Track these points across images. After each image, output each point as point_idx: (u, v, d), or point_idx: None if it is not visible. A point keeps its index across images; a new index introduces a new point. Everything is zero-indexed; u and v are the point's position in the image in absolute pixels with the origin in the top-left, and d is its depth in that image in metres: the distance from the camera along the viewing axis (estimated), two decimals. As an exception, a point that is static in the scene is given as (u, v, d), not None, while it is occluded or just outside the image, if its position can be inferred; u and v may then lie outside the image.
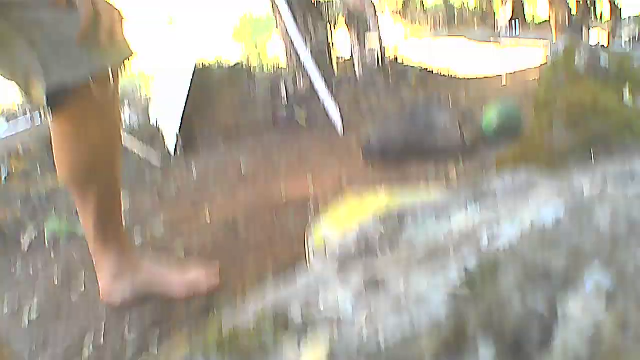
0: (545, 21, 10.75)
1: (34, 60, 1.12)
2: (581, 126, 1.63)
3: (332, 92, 3.72)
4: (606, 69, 1.81)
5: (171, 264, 1.72)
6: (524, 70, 5.95)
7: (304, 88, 4.38)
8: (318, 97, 3.64)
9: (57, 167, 1.45)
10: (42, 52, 1.11)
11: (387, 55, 5.09)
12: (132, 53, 1.28)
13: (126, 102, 5.80)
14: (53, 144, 1.38)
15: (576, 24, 8.90)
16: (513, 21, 12.83)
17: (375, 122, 2.44)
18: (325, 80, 3.74)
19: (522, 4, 14.34)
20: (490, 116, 2.28)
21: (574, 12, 12.23)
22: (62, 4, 1.13)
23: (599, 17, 13.54)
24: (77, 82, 1.16)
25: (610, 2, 13.57)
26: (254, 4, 16.41)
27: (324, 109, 3.57)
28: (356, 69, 5.06)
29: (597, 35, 9.04)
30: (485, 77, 5.98)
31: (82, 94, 1.21)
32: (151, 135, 3.89)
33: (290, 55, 5.15)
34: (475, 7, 16.23)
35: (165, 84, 4.59)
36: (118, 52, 1.25)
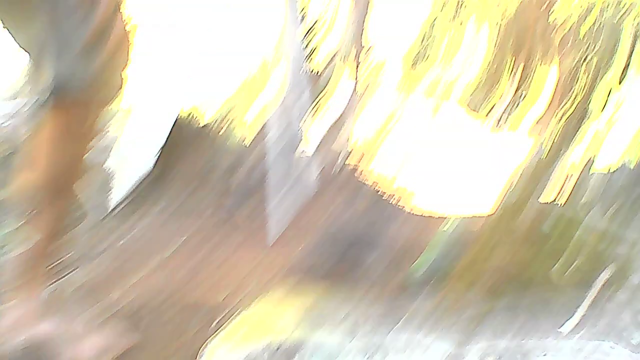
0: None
1: (52, 39, 1.12)
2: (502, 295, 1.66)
3: (283, 190, 3.69)
4: (547, 233, 1.89)
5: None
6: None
7: (262, 175, 4.32)
8: (269, 190, 3.60)
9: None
10: (59, 35, 1.12)
11: (350, 161, 5.05)
12: (120, 91, 1.28)
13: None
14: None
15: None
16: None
17: (310, 236, 2.43)
18: (282, 176, 3.72)
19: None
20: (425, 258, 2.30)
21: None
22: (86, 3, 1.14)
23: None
24: (78, 81, 1.15)
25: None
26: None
27: (268, 205, 3.52)
28: (314, 170, 5.02)
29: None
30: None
31: (80, 93, 1.18)
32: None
33: (259, 135, 5.09)
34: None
35: (135, 128, 4.44)
36: (108, 84, 1.26)
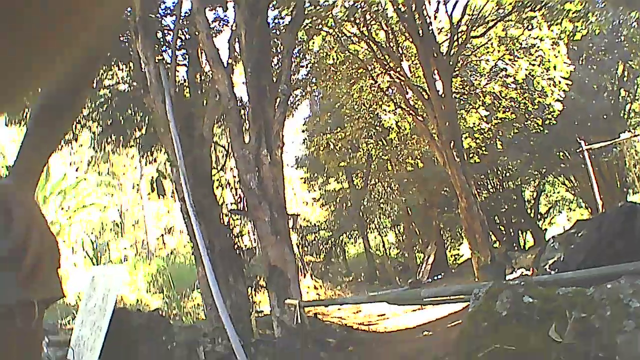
0: (468, 259, 10.78)
1: None
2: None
3: (248, 354, 3.52)
4: (531, 307, 1.77)
5: None
6: (447, 316, 5.86)
7: (222, 345, 4.13)
8: (235, 358, 3.42)
9: None
10: None
11: (306, 312, 5.01)
12: (62, 295, 1.14)
13: (46, 330, 5.31)
14: None
15: (498, 261, 8.76)
16: (434, 267, 12.80)
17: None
18: (242, 340, 3.57)
19: (444, 247, 14.72)
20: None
21: (496, 245, 12.26)
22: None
23: (522, 244, 13.92)
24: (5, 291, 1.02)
25: (532, 231, 14.21)
26: (180, 248, 16.39)
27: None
28: (275, 326, 4.91)
29: (522, 264, 8.77)
30: (407, 329, 5.88)
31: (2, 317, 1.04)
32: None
33: (210, 309, 4.95)
34: (396, 255, 16.51)
35: (86, 320, 4.32)
36: (44, 289, 1.12)
